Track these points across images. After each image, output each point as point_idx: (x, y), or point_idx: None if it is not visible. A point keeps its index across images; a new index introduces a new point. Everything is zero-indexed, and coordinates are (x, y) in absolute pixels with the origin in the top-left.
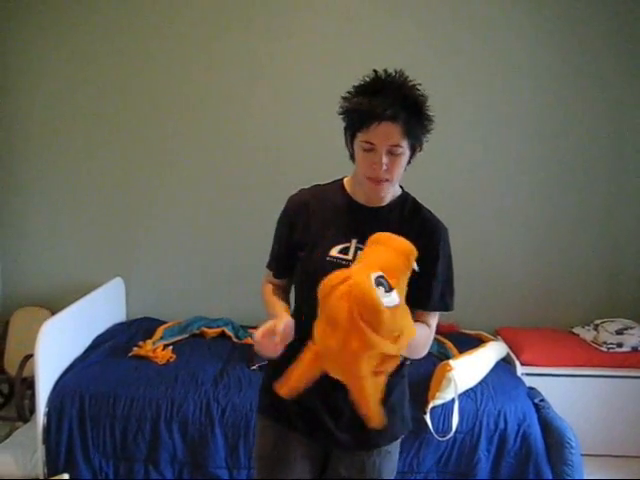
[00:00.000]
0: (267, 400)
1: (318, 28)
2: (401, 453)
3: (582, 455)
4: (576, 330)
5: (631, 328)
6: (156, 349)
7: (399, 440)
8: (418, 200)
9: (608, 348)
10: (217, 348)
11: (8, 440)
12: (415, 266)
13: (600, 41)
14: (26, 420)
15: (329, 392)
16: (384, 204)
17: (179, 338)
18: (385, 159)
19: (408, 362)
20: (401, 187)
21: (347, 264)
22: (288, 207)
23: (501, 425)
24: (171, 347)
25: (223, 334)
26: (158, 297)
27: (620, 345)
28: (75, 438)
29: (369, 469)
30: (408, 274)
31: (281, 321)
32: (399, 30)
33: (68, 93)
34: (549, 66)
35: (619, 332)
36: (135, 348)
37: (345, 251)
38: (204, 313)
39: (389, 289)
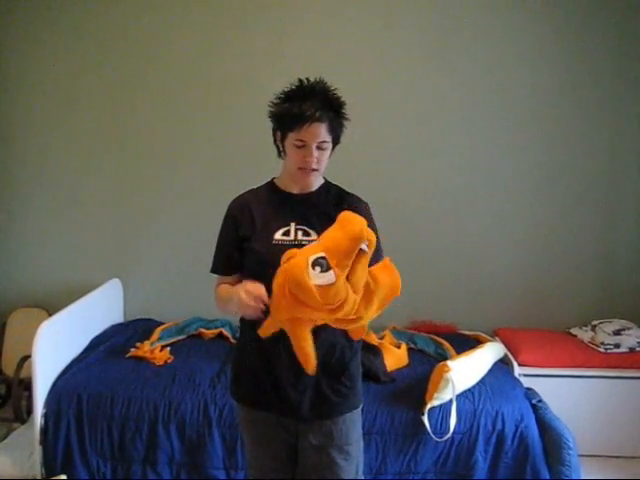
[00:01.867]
0: (240, 388)
1: (318, 30)
2: (399, 453)
3: (579, 455)
4: (574, 331)
5: (628, 329)
6: (154, 350)
7: (359, 409)
8: (338, 184)
9: (605, 349)
10: (215, 349)
11: (5, 441)
12: (365, 247)
13: (600, 43)
14: (23, 421)
15: (294, 372)
16: (313, 190)
17: (177, 339)
18: (315, 153)
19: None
20: (324, 178)
21: (290, 244)
22: (231, 209)
23: (499, 426)
24: (169, 348)
25: (221, 335)
26: (156, 298)
27: (617, 346)
28: (72, 439)
29: (337, 435)
30: (353, 255)
31: (259, 286)
32: (397, 31)
33: (67, 94)
34: (548, 69)
35: (616, 333)
36: (133, 349)
37: (287, 234)
38: (202, 314)
39: (326, 269)
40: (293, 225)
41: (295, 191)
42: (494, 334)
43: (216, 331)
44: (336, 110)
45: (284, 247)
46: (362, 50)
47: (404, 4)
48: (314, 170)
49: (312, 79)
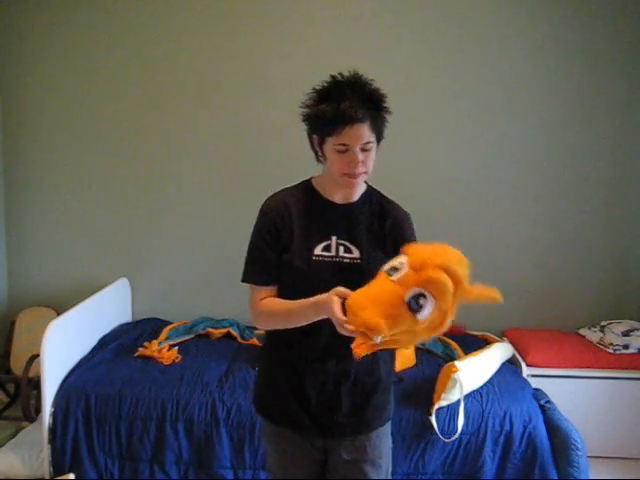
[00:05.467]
0: (266, 404)
1: (324, 29)
2: (407, 454)
3: (588, 457)
4: (582, 331)
5: (637, 329)
6: (162, 349)
7: (390, 420)
8: (380, 191)
9: (614, 350)
10: (223, 349)
11: (14, 440)
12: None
13: (608, 42)
14: (32, 420)
15: (328, 389)
16: (355, 200)
17: (185, 338)
18: (360, 156)
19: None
20: (366, 182)
21: (330, 260)
22: (268, 211)
23: (507, 427)
24: (177, 347)
25: (228, 334)
26: (164, 297)
27: (626, 347)
28: (81, 438)
29: (370, 450)
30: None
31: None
32: (403, 32)
33: (76, 95)
34: (555, 68)
35: (625, 334)
36: (141, 348)
37: (327, 248)
38: (209, 313)
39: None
40: (334, 239)
41: (337, 200)
42: (502, 334)
43: (224, 331)
44: (377, 105)
45: (324, 263)
46: (370, 47)
47: (413, 2)
48: (363, 174)
49: (345, 73)
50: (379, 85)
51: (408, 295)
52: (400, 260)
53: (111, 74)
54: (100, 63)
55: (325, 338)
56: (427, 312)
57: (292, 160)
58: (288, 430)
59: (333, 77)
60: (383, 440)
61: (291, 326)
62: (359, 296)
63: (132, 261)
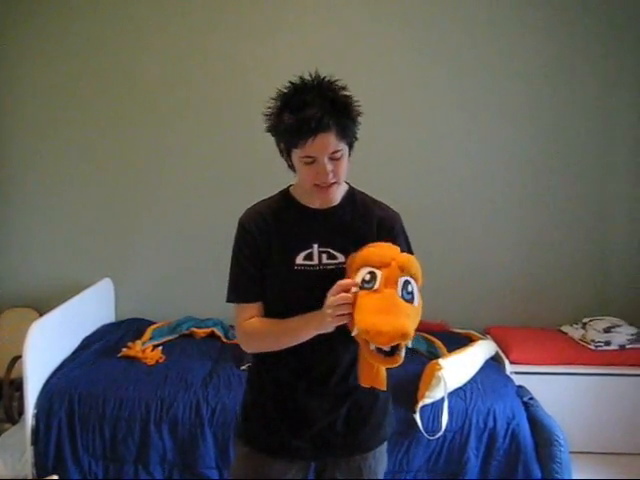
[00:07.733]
0: (253, 430)
1: (311, 27)
2: (391, 452)
3: (570, 452)
4: (564, 328)
5: (619, 326)
6: (145, 350)
7: (387, 441)
8: (364, 192)
9: (596, 346)
10: (207, 348)
11: None
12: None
13: (595, 39)
14: (15, 422)
15: (327, 410)
16: (335, 204)
17: (168, 338)
18: (329, 166)
19: None
20: (347, 183)
21: (313, 269)
22: (247, 226)
23: (490, 424)
24: (160, 347)
25: (213, 334)
26: (147, 297)
27: (608, 343)
28: (64, 439)
29: (366, 471)
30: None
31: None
32: (391, 30)
33: (61, 96)
34: (542, 67)
35: (607, 330)
36: (124, 349)
37: (309, 257)
38: (193, 313)
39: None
40: (316, 247)
41: (315, 205)
42: (486, 332)
43: (208, 330)
44: (343, 111)
45: (307, 273)
46: (356, 50)
47: (400, 2)
48: (335, 183)
49: (307, 76)
50: (361, 84)
51: (399, 289)
52: (367, 270)
53: (97, 74)
54: (87, 64)
55: (324, 359)
56: (417, 294)
57: (280, 161)
58: (271, 457)
59: (292, 83)
60: (379, 461)
61: (280, 344)
62: (368, 319)
63: (116, 261)
